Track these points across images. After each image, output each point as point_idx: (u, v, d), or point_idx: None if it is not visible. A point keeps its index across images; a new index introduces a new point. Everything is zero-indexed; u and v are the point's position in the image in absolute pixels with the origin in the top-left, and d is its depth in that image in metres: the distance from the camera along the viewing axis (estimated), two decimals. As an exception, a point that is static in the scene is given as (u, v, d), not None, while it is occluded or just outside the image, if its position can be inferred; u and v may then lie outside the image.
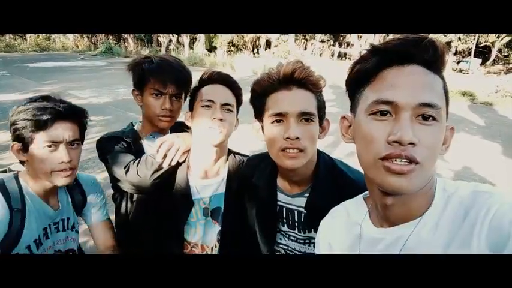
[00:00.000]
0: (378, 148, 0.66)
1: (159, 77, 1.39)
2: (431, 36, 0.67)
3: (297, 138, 1.00)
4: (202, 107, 1.23)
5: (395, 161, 0.64)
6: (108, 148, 1.33)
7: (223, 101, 1.23)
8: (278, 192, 1.15)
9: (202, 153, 1.28)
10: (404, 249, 0.70)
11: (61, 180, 1.20)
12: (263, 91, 1.07)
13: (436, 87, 0.67)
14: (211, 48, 21.57)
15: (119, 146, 1.35)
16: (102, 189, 1.49)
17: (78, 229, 1.42)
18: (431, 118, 0.64)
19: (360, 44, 18.72)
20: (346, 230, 0.85)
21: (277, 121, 1.03)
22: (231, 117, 1.25)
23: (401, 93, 0.65)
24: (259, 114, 1.11)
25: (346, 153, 4.62)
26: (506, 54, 20.53)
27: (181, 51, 20.97)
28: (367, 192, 0.83)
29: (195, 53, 19.69)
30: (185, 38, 19.91)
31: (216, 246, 1.35)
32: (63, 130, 1.17)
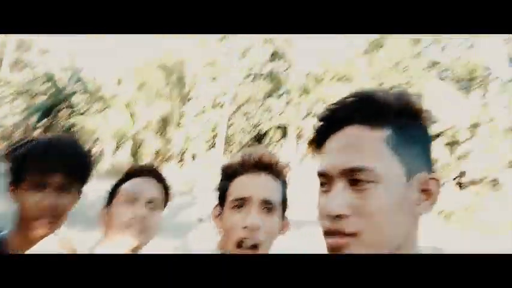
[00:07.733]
0: (321, 223, 0.60)
1: (40, 164, 1.03)
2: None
3: (257, 228, 0.92)
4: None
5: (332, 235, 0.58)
6: None
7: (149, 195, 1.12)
8: None
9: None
10: None
11: None
12: (230, 174, 1.01)
13: (373, 144, 0.59)
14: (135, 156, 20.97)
15: None
16: None
17: None
18: (364, 182, 0.57)
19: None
20: None
21: (238, 206, 0.95)
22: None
23: (329, 161, 0.61)
24: (221, 201, 1.03)
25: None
26: None
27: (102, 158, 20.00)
28: None
29: (117, 161, 18.83)
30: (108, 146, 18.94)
31: None
32: None
